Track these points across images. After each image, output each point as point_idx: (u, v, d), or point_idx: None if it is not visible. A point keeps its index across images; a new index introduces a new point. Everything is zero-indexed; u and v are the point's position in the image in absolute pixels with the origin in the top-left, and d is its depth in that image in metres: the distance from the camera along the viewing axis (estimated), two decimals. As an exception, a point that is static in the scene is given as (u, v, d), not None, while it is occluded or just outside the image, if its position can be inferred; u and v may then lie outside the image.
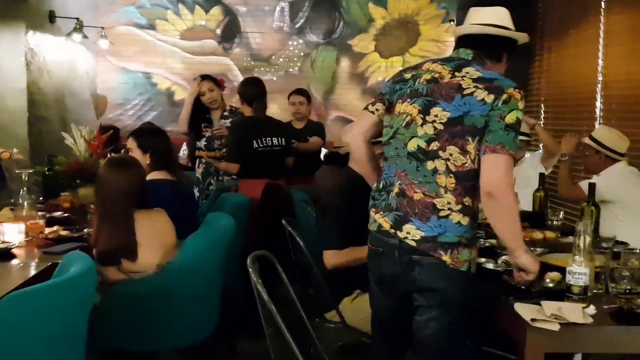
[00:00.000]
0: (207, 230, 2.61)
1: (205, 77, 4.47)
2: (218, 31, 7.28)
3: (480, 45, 2.01)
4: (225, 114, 4.48)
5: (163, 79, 7.24)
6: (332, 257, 2.57)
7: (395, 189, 2.00)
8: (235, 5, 7.24)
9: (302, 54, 7.32)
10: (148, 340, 2.46)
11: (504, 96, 1.84)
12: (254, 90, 4.07)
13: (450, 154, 1.88)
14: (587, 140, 3.38)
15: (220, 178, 4.38)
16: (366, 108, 2.14)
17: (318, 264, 2.60)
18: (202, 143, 4.39)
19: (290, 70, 7.33)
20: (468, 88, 1.89)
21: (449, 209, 1.89)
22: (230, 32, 7.29)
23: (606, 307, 1.85)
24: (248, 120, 4.08)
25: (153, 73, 7.26)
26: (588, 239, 1.95)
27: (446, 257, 1.90)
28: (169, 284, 2.41)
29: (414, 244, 1.92)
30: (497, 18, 2.03)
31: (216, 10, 7.25)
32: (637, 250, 2.14)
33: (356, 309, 2.58)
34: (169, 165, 2.98)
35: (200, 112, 4.42)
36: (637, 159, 3.71)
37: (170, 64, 7.21)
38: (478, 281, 2.04)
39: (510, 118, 1.83)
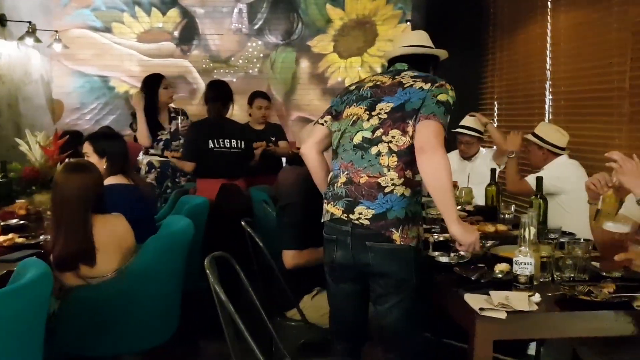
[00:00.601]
0: (165, 233, 2.61)
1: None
2: (176, 33, 7.23)
3: (410, 62, 2.27)
4: (172, 114, 4.50)
5: (120, 83, 7.15)
6: (292, 258, 2.62)
7: (342, 179, 2.14)
8: (192, 7, 7.21)
9: (261, 55, 7.33)
10: (108, 344, 2.45)
11: (438, 83, 2.10)
12: (213, 92, 4.17)
13: (393, 137, 2.07)
14: (529, 136, 3.49)
15: (177, 180, 4.36)
16: (316, 122, 2.38)
17: (278, 263, 2.64)
18: (159, 147, 4.37)
19: (250, 71, 7.34)
20: (408, 82, 2.14)
21: (393, 184, 2.05)
22: (188, 34, 7.25)
23: (550, 294, 1.94)
24: (206, 120, 4.16)
25: (110, 76, 7.16)
26: (533, 230, 2.04)
27: (396, 236, 2.02)
28: (128, 288, 2.41)
29: (367, 222, 2.05)
30: (420, 40, 2.33)
31: (173, 12, 7.20)
32: (582, 240, 2.24)
33: (316, 306, 2.63)
34: (126, 169, 2.97)
35: (151, 118, 4.40)
36: (583, 152, 3.85)
37: (127, 67, 7.13)
38: (425, 259, 2.19)
39: (442, 97, 2.06)
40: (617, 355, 2.13)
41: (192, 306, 3.55)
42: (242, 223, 2.70)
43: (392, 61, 2.31)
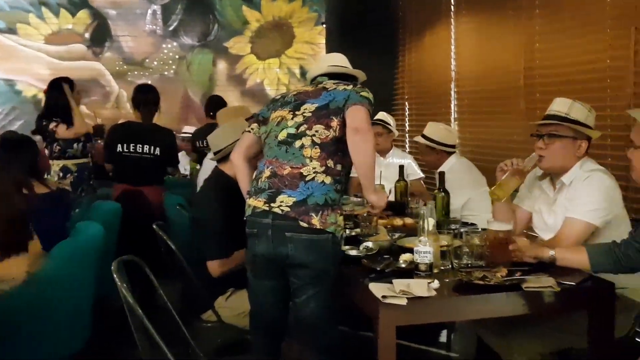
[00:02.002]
0: (75, 240, 2.55)
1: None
2: (87, 35, 7.02)
3: (330, 78, 2.41)
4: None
5: (28, 87, 6.86)
6: (218, 267, 2.63)
7: (266, 173, 2.23)
8: (104, 8, 7.02)
9: (177, 56, 7.24)
10: (15, 356, 2.36)
11: (359, 86, 2.32)
12: (142, 96, 4.16)
13: (316, 131, 2.19)
14: (419, 138, 3.56)
15: (92, 184, 4.25)
16: (245, 131, 2.49)
17: (192, 266, 2.63)
18: (78, 148, 4.25)
19: (166, 73, 7.24)
20: (331, 87, 2.31)
21: (315, 172, 2.16)
22: (100, 36, 7.06)
23: (449, 280, 2.06)
24: (121, 124, 4.25)
25: (17, 80, 6.85)
26: (432, 221, 2.17)
27: (315, 220, 2.11)
28: (36, 296, 2.33)
29: (287, 209, 2.12)
30: (341, 62, 2.50)
31: (83, 14, 6.98)
32: (480, 230, 2.40)
33: (231, 306, 2.66)
34: (36, 176, 2.88)
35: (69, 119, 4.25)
36: (485, 148, 4.09)
37: (35, 70, 6.85)
38: (341, 248, 2.25)
39: (364, 94, 2.23)
40: (511, 334, 2.29)
41: (107, 314, 3.47)
42: (154, 227, 2.68)
43: (314, 79, 2.46)
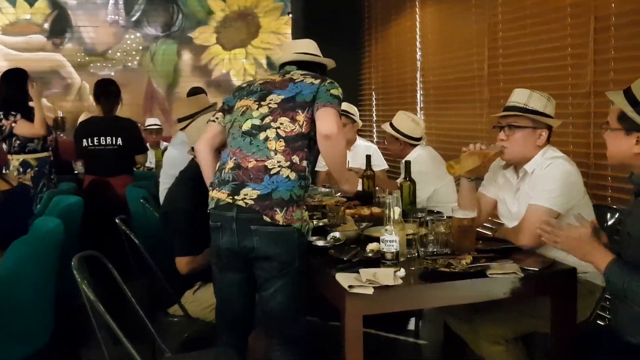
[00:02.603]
0: (32, 236, 2.47)
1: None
2: (46, 25, 6.83)
3: (300, 66, 2.38)
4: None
5: (-15, 78, 6.63)
6: (187, 264, 2.58)
7: (230, 164, 2.19)
8: (62, -2, 6.83)
9: (140, 47, 7.10)
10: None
11: (328, 80, 2.25)
12: (101, 90, 4.30)
13: (281, 123, 2.16)
14: (385, 127, 3.56)
15: (52, 178, 4.15)
16: (209, 120, 2.44)
17: (159, 260, 2.59)
18: (39, 143, 4.15)
19: (129, 64, 7.09)
20: (298, 78, 2.26)
21: (279, 166, 2.13)
22: (60, 27, 6.86)
23: (415, 269, 2.07)
24: (85, 120, 4.52)
25: (-29, 72, 6.62)
26: (398, 210, 2.17)
27: (279, 216, 2.08)
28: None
29: (252, 202, 2.09)
30: (310, 48, 2.46)
31: (42, 3, 6.78)
32: (445, 217, 2.42)
33: (199, 300, 2.63)
34: None
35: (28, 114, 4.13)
36: (450, 137, 4.12)
37: (-8, 62, 6.63)
38: (308, 243, 2.25)
39: (334, 91, 2.20)
40: (477, 320, 2.32)
41: (70, 312, 3.40)
42: (117, 221, 2.62)
43: (282, 66, 2.42)
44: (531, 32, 3.51)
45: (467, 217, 2.23)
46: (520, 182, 2.44)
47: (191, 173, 2.71)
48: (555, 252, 2.29)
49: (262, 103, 2.23)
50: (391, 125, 3.51)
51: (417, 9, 4.87)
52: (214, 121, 2.40)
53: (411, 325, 3.57)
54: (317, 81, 2.21)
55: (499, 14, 3.80)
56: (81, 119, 6.07)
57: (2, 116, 4.05)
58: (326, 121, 2.12)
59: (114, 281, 2.10)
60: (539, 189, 2.31)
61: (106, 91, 4.24)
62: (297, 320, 2.23)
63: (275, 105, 2.20)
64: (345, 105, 4.17)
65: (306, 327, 2.29)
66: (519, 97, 2.41)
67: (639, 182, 1.86)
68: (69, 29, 6.89)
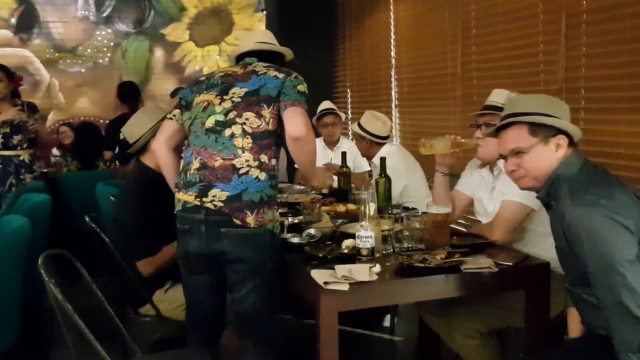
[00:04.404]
0: (-1, 235, 2.41)
1: None
2: (13, 20, 6.64)
3: (259, 57, 2.30)
4: (19, 109, 4.17)
5: (-51, 74, 6.43)
6: (147, 266, 2.53)
7: (195, 165, 2.10)
8: (30, -8, 6.67)
9: (111, 44, 6.96)
10: None
11: (293, 75, 2.17)
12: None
13: (247, 119, 2.08)
14: (353, 126, 3.55)
15: (22, 177, 4.05)
16: (165, 118, 2.34)
17: (126, 259, 2.53)
18: None
19: (100, 61, 6.94)
20: (261, 70, 2.17)
21: (248, 165, 2.05)
22: (28, 22, 6.69)
23: (390, 264, 2.06)
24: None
25: None
26: (373, 206, 2.16)
27: (250, 219, 2.02)
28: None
29: (221, 204, 2.02)
30: (267, 38, 2.40)
31: (8, -2, 6.60)
32: (419, 213, 2.42)
33: (170, 299, 2.58)
34: None
35: None
36: (424, 135, 4.11)
37: (-45, 57, 6.44)
38: (280, 242, 2.21)
39: (301, 87, 2.13)
40: (451, 314, 2.33)
41: (38, 313, 3.32)
42: (86, 219, 2.56)
43: (240, 57, 2.33)
44: (504, 29, 3.54)
45: (441, 212, 2.23)
46: (495, 181, 2.45)
47: (139, 174, 2.65)
48: (529, 247, 2.32)
49: (225, 97, 2.12)
50: (359, 125, 3.50)
51: (391, 6, 4.88)
52: (170, 119, 2.29)
53: (387, 322, 3.57)
54: (282, 75, 2.13)
55: (472, 10, 3.82)
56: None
57: None
58: (295, 123, 2.05)
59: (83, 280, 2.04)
60: (512, 185, 2.31)
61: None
62: (270, 320, 2.18)
63: (239, 99, 2.10)
64: (328, 103, 4.17)
65: (280, 327, 2.25)
66: (497, 97, 2.42)
67: (544, 198, 1.83)
68: (37, 24, 6.73)
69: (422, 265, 2.00)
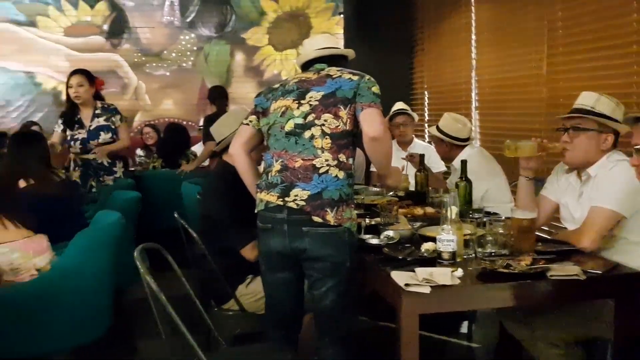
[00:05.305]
0: (94, 229, 2.57)
1: (77, 72, 4.26)
2: (105, 27, 7.05)
3: (325, 62, 2.34)
4: (98, 112, 4.30)
5: (48, 79, 6.91)
6: (252, 250, 2.56)
7: (277, 167, 2.18)
8: (121, 0, 7.04)
9: (194, 48, 7.24)
10: (36, 343, 2.39)
11: (367, 77, 2.21)
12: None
13: (325, 120, 2.13)
14: (432, 130, 3.49)
15: (101, 179, 4.23)
16: (242, 123, 2.42)
17: (212, 256, 2.62)
18: (76, 147, 4.22)
19: (184, 65, 7.24)
20: (335, 74, 2.22)
21: (327, 165, 2.12)
22: (118, 28, 7.08)
23: (472, 269, 2.03)
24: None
25: (36, 72, 6.91)
26: (455, 209, 2.14)
27: (330, 216, 2.08)
28: (56, 284, 2.36)
29: (303, 203, 2.08)
30: (329, 42, 2.43)
31: (102, 6, 7.01)
32: (503, 218, 2.37)
33: (252, 293, 2.66)
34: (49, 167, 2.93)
35: (73, 108, 4.25)
36: (506, 137, 4.01)
37: (54, 62, 6.89)
38: (357, 241, 2.23)
39: (375, 89, 2.17)
40: (535, 322, 2.26)
41: (128, 304, 3.50)
42: (175, 215, 2.68)
43: (308, 64, 2.37)
44: (593, 28, 3.40)
45: (527, 217, 2.18)
46: (583, 186, 2.37)
47: (222, 172, 2.74)
48: (619, 255, 2.22)
49: (302, 101, 2.19)
50: (437, 127, 3.46)
51: (472, 7, 4.79)
52: (247, 124, 2.38)
53: (464, 329, 3.51)
54: (356, 77, 2.17)
55: (559, 10, 3.70)
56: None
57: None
58: (372, 123, 2.09)
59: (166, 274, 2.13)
60: (602, 191, 2.24)
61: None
62: (348, 318, 2.22)
63: (316, 102, 2.16)
64: (401, 104, 4.16)
65: (357, 326, 2.28)
66: (586, 100, 2.34)
67: None
68: (127, 30, 7.10)
69: (506, 271, 1.97)
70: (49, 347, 2.47)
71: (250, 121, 2.37)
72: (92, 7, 6.98)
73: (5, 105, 6.86)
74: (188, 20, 7.20)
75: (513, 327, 2.45)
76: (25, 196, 2.74)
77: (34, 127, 5.44)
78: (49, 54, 6.90)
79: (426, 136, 5.66)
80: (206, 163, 5.44)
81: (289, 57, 7.44)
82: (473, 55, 4.79)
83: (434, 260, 2.09)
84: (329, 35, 2.50)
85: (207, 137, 5.25)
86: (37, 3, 6.84)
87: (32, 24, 6.84)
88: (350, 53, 2.44)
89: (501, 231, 2.21)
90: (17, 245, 2.38)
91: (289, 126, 2.18)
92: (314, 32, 7.44)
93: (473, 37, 4.78)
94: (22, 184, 2.90)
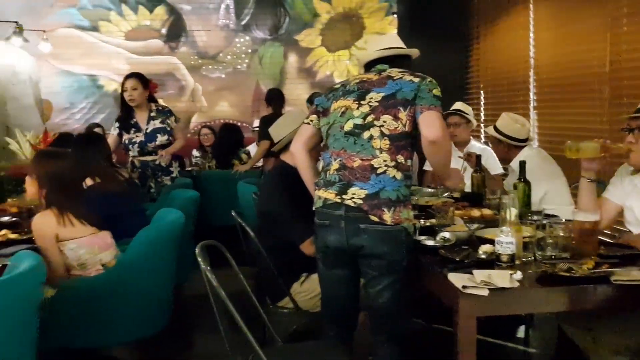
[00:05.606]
0: (156, 226, 2.65)
1: (131, 75, 4.34)
2: (163, 30, 7.26)
3: (387, 62, 2.35)
4: (153, 114, 4.37)
5: (109, 81, 7.17)
6: (312, 246, 2.59)
7: (335, 165, 2.21)
8: (179, 4, 7.23)
9: (249, 50, 7.36)
10: (100, 335, 2.49)
11: (428, 79, 2.22)
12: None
13: (384, 121, 2.15)
14: (489, 130, 3.42)
15: (159, 179, 4.33)
16: (303, 122, 2.47)
17: (268, 254, 2.67)
18: (135, 150, 4.32)
19: (238, 67, 7.37)
20: (396, 76, 2.24)
21: (385, 165, 2.13)
22: (176, 31, 7.27)
23: (532, 272, 1.99)
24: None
25: (98, 75, 7.18)
26: (514, 211, 2.10)
27: (387, 216, 2.09)
28: (120, 279, 2.45)
29: (360, 202, 2.11)
30: (393, 42, 2.42)
31: (160, 10, 7.22)
32: (564, 220, 2.31)
33: (306, 291, 2.69)
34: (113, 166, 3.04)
35: (128, 112, 4.34)
36: (566, 137, 3.90)
37: (115, 65, 7.14)
38: (414, 241, 2.24)
39: (436, 91, 2.18)
40: (598, 328, 2.19)
41: (184, 300, 3.60)
42: (233, 214, 2.74)
43: (370, 64, 2.39)
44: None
45: (589, 220, 2.12)
46: (650, 190, 2.29)
47: (280, 170, 2.80)
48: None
49: (362, 102, 2.21)
50: (495, 127, 3.39)
51: (530, 4, 4.68)
52: (308, 123, 2.42)
53: (520, 333, 3.43)
54: (417, 79, 2.18)
55: (624, 6, 3.56)
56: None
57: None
58: (431, 126, 2.10)
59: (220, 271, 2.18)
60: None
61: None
62: (402, 317, 2.23)
63: (376, 104, 2.18)
64: (459, 105, 4.10)
65: (411, 326, 2.29)
66: None
67: None
68: (184, 33, 7.29)
69: (567, 274, 1.92)
70: (112, 339, 2.58)
71: (311, 120, 2.41)
72: (151, 11, 7.20)
73: (70, 107, 7.16)
74: (243, 23, 7.32)
75: (574, 333, 2.38)
76: (91, 194, 2.85)
77: (97, 129, 5.64)
78: (110, 57, 7.16)
79: (482, 137, 5.57)
80: (260, 163, 5.52)
81: (342, 57, 7.46)
82: (531, 54, 4.68)
83: (492, 262, 2.06)
84: (393, 35, 2.50)
85: (261, 137, 5.34)
86: (100, 9, 7.11)
87: (95, 28, 7.12)
88: (414, 52, 2.44)
89: (562, 234, 2.15)
90: (84, 242, 2.49)
91: (348, 126, 2.21)
92: (366, 32, 7.43)
93: (531, 34, 4.67)
94: (88, 182, 3.03)
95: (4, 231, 2.79)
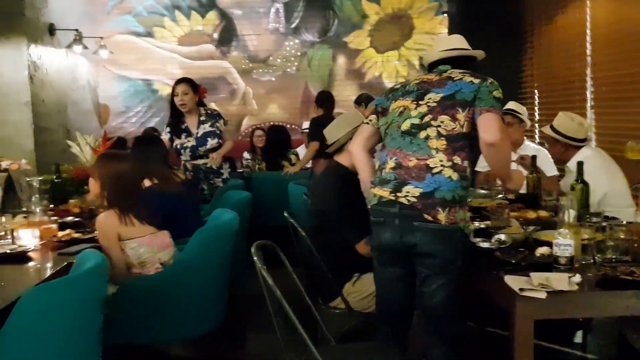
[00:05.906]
0: (211, 225, 2.72)
1: (182, 81, 4.42)
2: (215, 35, 7.41)
3: (451, 63, 2.35)
4: (202, 118, 4.42)
5: (163, 85, 7.37)
6: (367, 245, 2.62)
7: (391, 164, 2.22)
8: (230, 8, 7.37)
9: (298, 53, 7.42)
10: (158, 332, 2.57)
11: (489, 80, 2.20)
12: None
13: (442, 122, 2.15)
14: (546, 129, 3.34)
15: (212, 182, 4.41)
16: (362, 122, 2.50)
17: (320, 254, 2.69)
18: (187, 154, 4.37)
19: (288, 70, 7.45)
20: (457, 76, 2.23)
21: (441, 165, 2.12)
22: (227, 36, 7.41)
23: (591, 275, 1.94)
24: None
25: (153, 80, 7.39)
26: (573, 213, 2.05)
27: (442, 216, 2.08)
28: (178, 277, 2.52)
29: (414, 200, 2.11)
30: (458, 43, 2.43)
31: (212, 15, 7.37)
32: (624, 222, 2.24)
33: (358, 291, 2.71)
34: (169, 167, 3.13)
35: (178, 116, 4.40)
36: (625, 137, 3.77)
37: (169, 70, 7.34)
38: (470, 242, 2.23)
39: (496, 93, 2.16)
40: (662, 336, 2.12)
41: (238, 299, 3.66)
42: (285, 214, 2.78)
43: (433, 65, 2.40)
44: None
45: (652, 222, 2.05)
46: None
47: (335, 170, 2.83)
48: None
49: (420, 102, 2.22)
50: (552, 127, 3.31)
51: (587, 1, 4.54)
52: (367, 123, 2.44)
53: (578, 338, 3.33)
54: (477, 80, 2.17)
55: (688, 1, 3.42)
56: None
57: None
58: (489, 129, 2.09)
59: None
60: None
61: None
62: (456, 318, 2.21)
63: (435, 104, 2.18)
64: (512, 104, 4.02)
65: (465, 329, 2.26)
66: None
67: None
68: (235, 37, 7.42)
69: (629, 278, 1.86)
70: (169, 336, 2.66)
71: (370, 120, 2.44)
72: (203, 16, 7.36)
73: (126, 111, 7.40)
74: (292, 26, 7.40)
75: (636, 339, 2.31)
76: (150, 195, 2.95)
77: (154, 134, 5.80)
78: (164, 62, 7.36)
79: (536, 137, 5.44)
80: (309, 164, 5.56)
81: (390, 58, 7.43)
82: (588, 51, 4.54)
83: (549, 265, 2.02)
84: (459, 36, 2.49)
85: (311, 138, 5.37)
86: (154, 15, 7.32)
87: (149, 34, 7.33)
88: (479, 54, 2.43)
89: (623, 236, 2.09)
90: (144, 241, 2.57)
91: (405, 126, 2.22)
92: (416, 32, 7.38)
93: (588, 31, 4.54)
94: (146, 183, 3.13)
95: (67, 230, 2.91)
